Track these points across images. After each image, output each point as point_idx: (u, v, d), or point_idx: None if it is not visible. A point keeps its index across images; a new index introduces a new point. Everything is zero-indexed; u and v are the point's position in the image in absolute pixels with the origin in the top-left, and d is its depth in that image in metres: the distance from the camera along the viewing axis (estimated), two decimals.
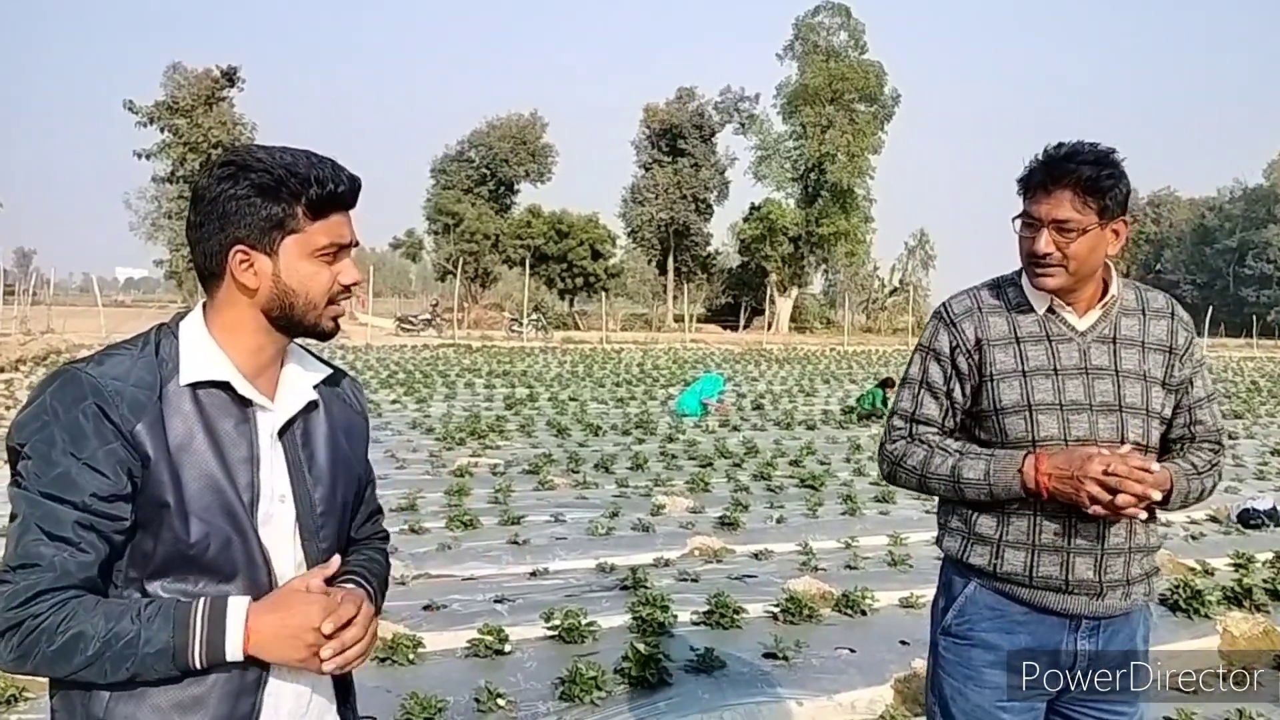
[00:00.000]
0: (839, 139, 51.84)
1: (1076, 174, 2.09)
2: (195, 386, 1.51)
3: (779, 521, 8.17)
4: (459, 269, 47.09)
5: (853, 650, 5.03)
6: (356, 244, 1.61)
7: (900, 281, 63.29)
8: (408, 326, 39.67)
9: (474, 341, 35.51)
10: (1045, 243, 2.12)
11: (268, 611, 1.47)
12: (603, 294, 51.07)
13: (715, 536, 7.37)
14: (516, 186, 54.70)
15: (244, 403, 1.55)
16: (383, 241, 70.14)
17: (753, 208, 55.75)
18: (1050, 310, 2.24)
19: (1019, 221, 2.20)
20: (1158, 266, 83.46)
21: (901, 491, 9.55)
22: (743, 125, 57.01)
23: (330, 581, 1.58)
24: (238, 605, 1.46)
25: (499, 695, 4.20)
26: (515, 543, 7.06)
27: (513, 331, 40.61)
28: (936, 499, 2.39)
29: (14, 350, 22.07)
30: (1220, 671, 4.93)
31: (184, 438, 1.48)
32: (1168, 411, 2.27)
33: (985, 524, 2.24)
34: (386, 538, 1.89)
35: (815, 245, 54.40)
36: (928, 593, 6.11)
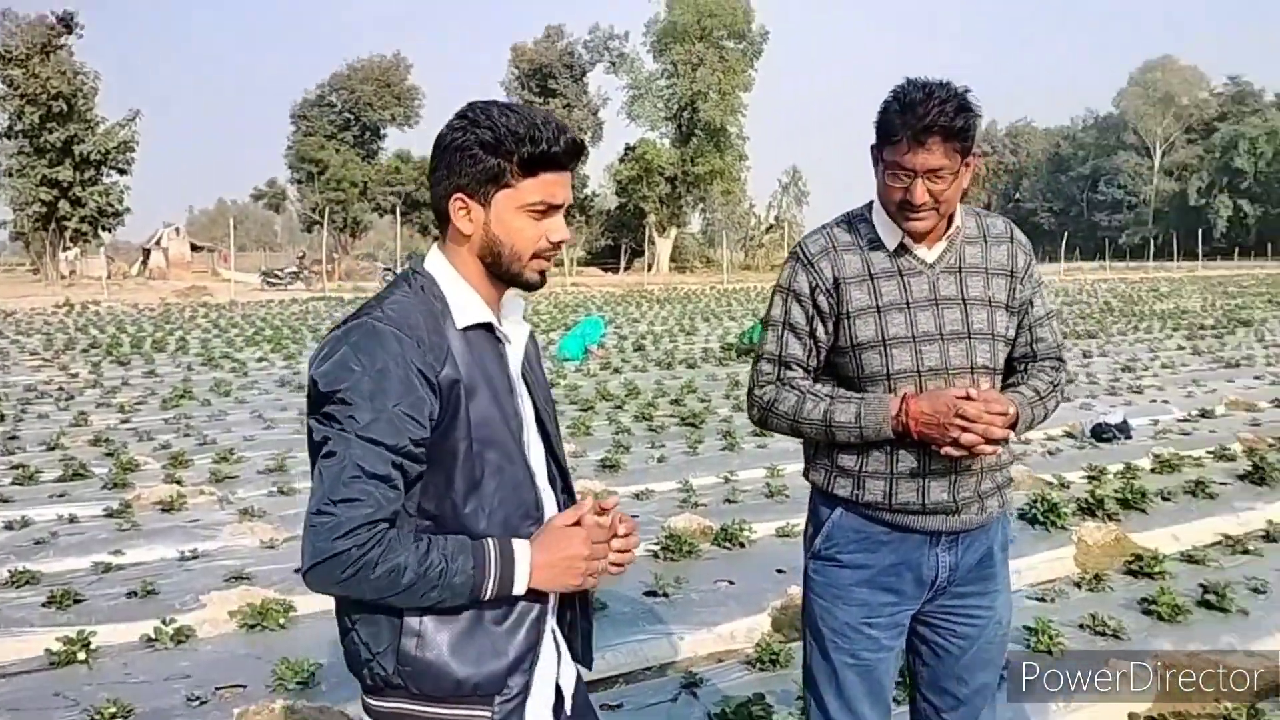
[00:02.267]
0: (710, 77, 51.81)
1: (947, 126, 2.07)
2: (465, 329, 1.67)
3: (660, 461, 8.21)
4: (326, 219, 45.60)
5: (732, 582, 5.10)
6: (569, 204, 1.72)
7: (776, 218, 64.08)
8: (274, 281, 38.41)
9: (346, 294, 34.56)
10: (921, 192, 2.12)
11: (541, 551, 1.65)
12: None
13: (597, 479, 7.37)
14: (383, 131, 53.26)
15: (496, 339, 1.72)
16: (243, 193, 67.49)
17: (628, 148, 55.44)
18: (901, 246, 2.27)
19: (884, 167, 2.18)
20: (1017, 195, 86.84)
21: None
22: (614, 64, 56.48)
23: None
24: (522, 549, 1.64)
25: None
26: None
27: (386, 281, 39.74)
28: None
29: None
30: (1076, 579, 5.23)
31: (468, 379, 1.63)
32: (1012, 333, 2.34)
33: (846, 458, 2.31)
34: None
35: (692, 185, 54.52)
36: (803, 521, 6.22)
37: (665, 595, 4.81)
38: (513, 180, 1.63)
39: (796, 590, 4.87)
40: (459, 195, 1.65)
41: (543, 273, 1.72)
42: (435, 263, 1.72)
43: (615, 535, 1.75)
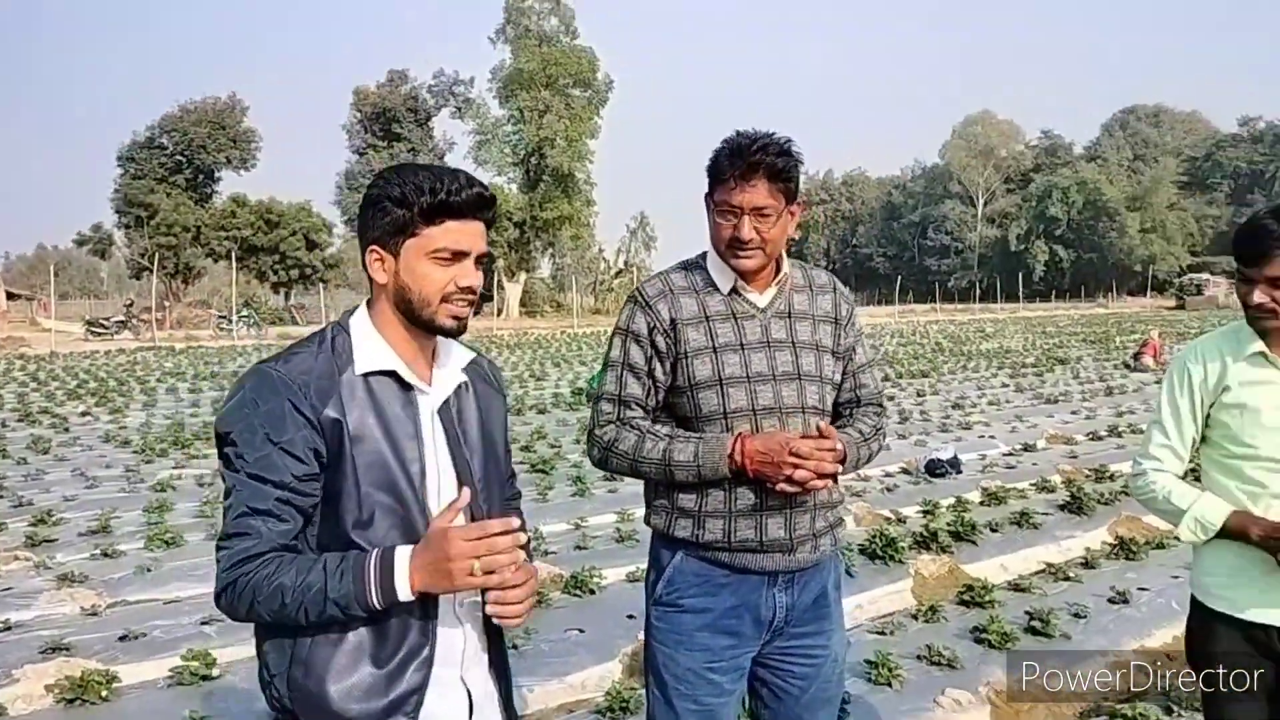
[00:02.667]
0: (557, 124, 52.20)
1: (771, 165, 2.24)
2: (367, 375, 1.77)
3: None
4: (156, 265, 43.51)
5: (582, 630, 5.07)
6: (481, 253, 1.81)
7: (625, 263, 64.84)
8: (99, 330, 36.23)
9: (177, 343, 33.03)
10: (748, 229, 2.27)
11: (420, 554, 1.68)
12: (321, 286, 48.94)
13: None
14: (217, 174, 51.36)
15: (407, 387, 1.80)
16: (65, 238, 63.81)
17: None
18: (734, 290, 2.39)
19: (714, 207, 2.33)
20: (854, 241, 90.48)
21: None
22: (459, 109, 56.35)
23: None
24: (403, 554, 1.69)
25: None
26: None
27: (221, 330, 38.17)
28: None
29: None
30: (914, 611, 5.43)
31: (358, 421, 1.73)
32: (838, 378, 2.48)
33: (686, 498, 2.36)
34: (519, 495, 2.22)
35: (540, 230, 54.64)
36: None
37: (514, 647, 4.74)
38: (418, 229, 1.75)
39: None
40: (373, 247, 1.78)
41: (458, 318, 1.80)
42: (356, 317, 1.84)
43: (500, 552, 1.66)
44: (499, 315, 50.74)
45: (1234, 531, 2.46)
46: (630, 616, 5.14)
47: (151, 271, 42.71)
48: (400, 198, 1.74)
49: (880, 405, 2.55)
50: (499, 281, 53.03)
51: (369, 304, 1.85)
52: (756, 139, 2.27)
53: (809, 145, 2.41)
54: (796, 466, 2.19)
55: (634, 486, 8.97)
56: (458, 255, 1.77)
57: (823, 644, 2.45)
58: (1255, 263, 2.42)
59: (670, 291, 2.40)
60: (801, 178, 2.37)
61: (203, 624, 5.17)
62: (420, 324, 1.80)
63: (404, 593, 1.67)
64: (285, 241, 48.70)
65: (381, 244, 1.77)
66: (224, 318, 39.78)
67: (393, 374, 1.79)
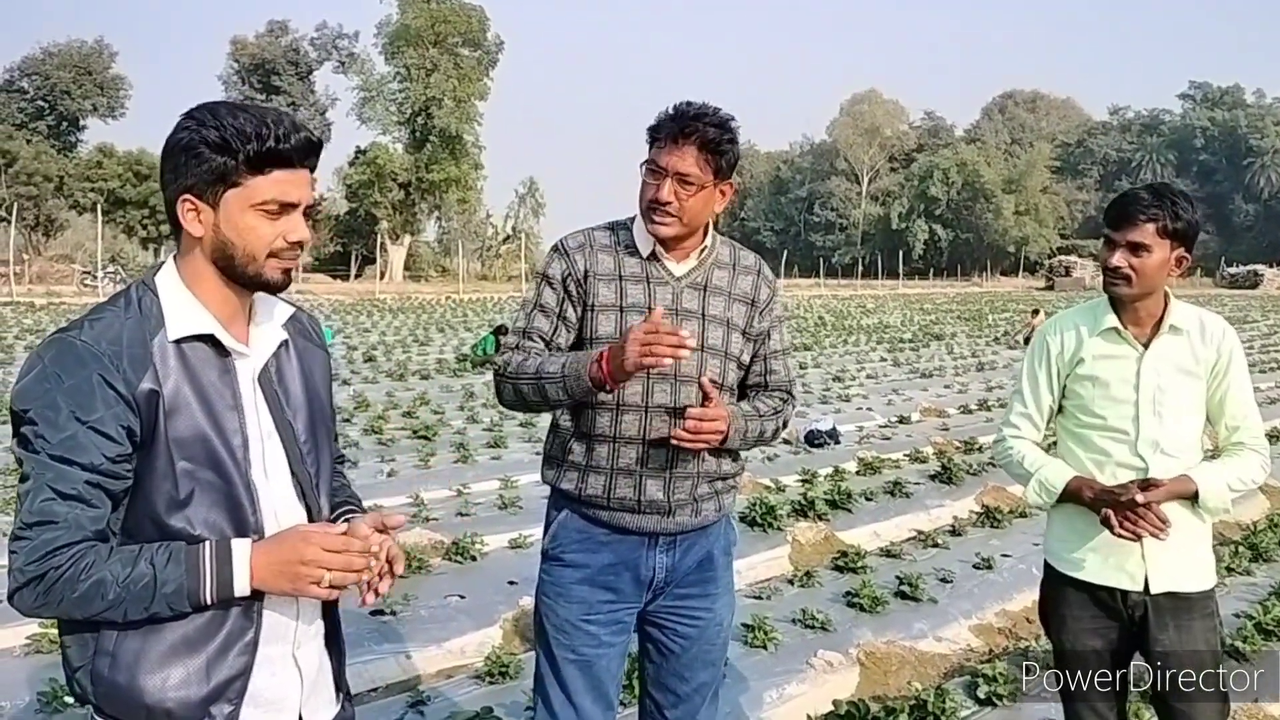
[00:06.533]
0: (445, 83, 51.10)
1: (703, 133, 2.27)
2: (180, 341, 1.60)
3: (390, 475, 7.99)
4: (15, 216, 41.11)
5: (462, 596, 5.04)
6: (310, 203, 1.66)
7: (513, 229, 64.12)
8: None
9: (38, 299, 31.34)
10: (668, 191, 2.29)
11: (264, 551, 1.58)
12: None
13: None
14: (83, 122, 48.77)
15: (224, 351, 1.65)
16: None
17: (359, 151, 53.72)
18: (653, 255, 2.42)
19: (645, 167, 2.35)
20: (742, 214, 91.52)
21: (513, 435, 9.71)
22: (343, 64, 54.68)
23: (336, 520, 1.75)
24: (241, 547, 1.57)
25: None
26: None
27: (85, 286, 36.37)
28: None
29: None
30: (790, 576, 5.57)
31: (173, 393, 1.58)
32: (746, 357, 2.51)
33: (576, 451, 2.42)
34: (344, 459, 2.11)
35: (426, 192, 53.55)
36: (535, 532, 6.25)
37: (393, 613, 4.68)
38: (241, 178, 1.58)
39: (528, 601, 4.90)
40: (187, 197, 1.60)
41: (286, 271, 1.67)
42: (164, 274, 1.66)
43: (371, 555, 1.63)
44: (382, 278, 49.65)
45: (1073, 495, 2.60)
46: (511, 582, 5.13)
47: (9, 223, 40.33)
48: (220, 143, 1.56)
49: (788, 393, 2.58)
50: (382, 244, 51.85)
51: (176, 259, 1.67)
52: (698, 107, 2.32)
53: None
54: (648, 347, 2.10)
55: (518, 454, 8.94)
56: (286, 207, 1.62)
57: (707, 607, 2.51)
58: (1120, 226, 2.55)
59: (590, 246, 2.44)
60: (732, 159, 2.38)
61: None
62: (242, 280, 1.65)
63: (241, 587, 1.56)
64: (156, 195, 46.53)
65: (197, 193, 1.59)
66: (88, 273, 37.92)
67: (208, 338, 1.63)
